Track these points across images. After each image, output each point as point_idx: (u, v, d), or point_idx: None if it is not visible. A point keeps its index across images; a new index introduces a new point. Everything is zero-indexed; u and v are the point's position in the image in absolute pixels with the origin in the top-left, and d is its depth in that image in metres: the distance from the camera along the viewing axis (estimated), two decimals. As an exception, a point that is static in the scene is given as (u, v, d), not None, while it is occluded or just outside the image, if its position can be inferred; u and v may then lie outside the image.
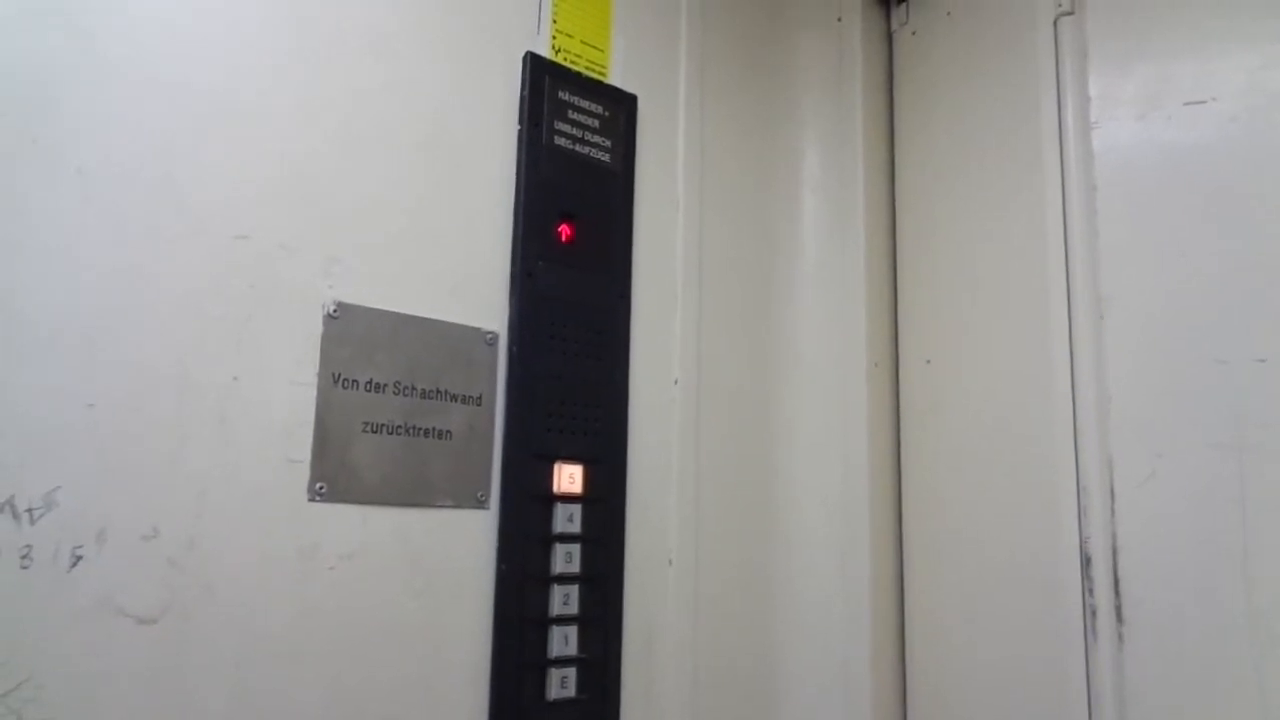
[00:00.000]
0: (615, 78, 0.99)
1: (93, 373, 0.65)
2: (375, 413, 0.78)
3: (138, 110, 0.69)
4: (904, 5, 1.16)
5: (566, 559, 0.86)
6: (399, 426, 0.79)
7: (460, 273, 0.85)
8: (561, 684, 0.83)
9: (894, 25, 1.17)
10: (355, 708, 0.74)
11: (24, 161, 0.64)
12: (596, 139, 0.95)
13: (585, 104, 0.95)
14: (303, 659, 0.72)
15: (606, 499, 0.90)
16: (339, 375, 0.76)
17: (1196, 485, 0.81)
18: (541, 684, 0.83)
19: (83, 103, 0.67)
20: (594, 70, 0.97)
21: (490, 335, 0.86)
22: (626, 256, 0.96)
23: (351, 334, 0.77)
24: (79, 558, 0.63)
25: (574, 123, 0.93)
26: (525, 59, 0.91)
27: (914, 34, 1.14)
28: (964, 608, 0.97)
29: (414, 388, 0.80)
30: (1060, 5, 0.96)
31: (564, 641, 0.84)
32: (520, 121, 0.90)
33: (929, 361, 1.06)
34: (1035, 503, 0.91)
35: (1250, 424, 0.79)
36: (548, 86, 0.92)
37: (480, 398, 0.84)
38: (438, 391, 0.82)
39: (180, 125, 0.71)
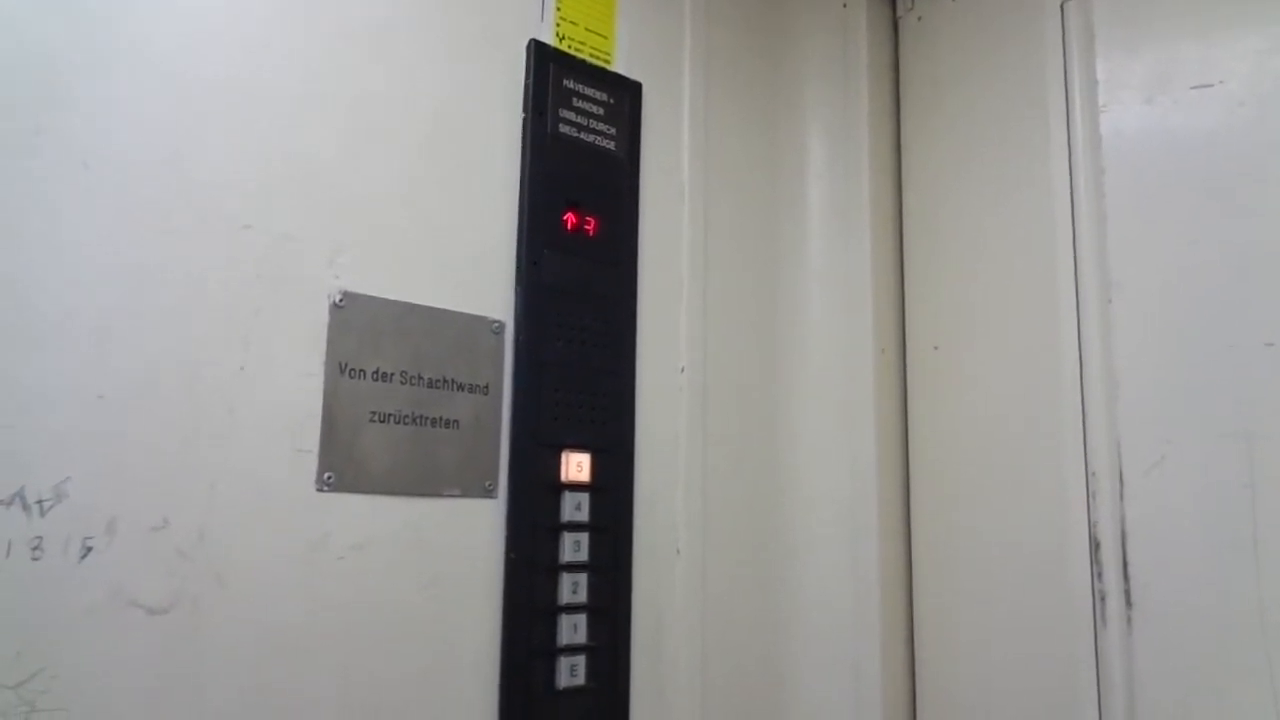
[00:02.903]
0: (620, 65, 0.99)
1: (101, 364, 0.65)
2: (382, 402, 0.78)
3: (142, 101, 0.69)
4: (909, -9, 1.15)
5: (575, 547, 0.86)
6: (406, 416, 0.79)
7: (466, 262, 0.85)
8: (571, 672, 0.84)
9: (900, 11, 1.16)
10: (365, 696, 0.74)
11: (31, 153, 0.64)
12: (601, 127, 0.94)
13: (590, 92, 0.94)
14: (313, 648, 0.72)
15: (614, 487, 0.90)
16: (346, 365, 0.76)
17: (1206, 471, 0.81)
18: (551, 672, 0.83)
19: (88, 94, 0.67)
20: (598, 58, 0.97)
21: (496, 324, 0.85)
22: (632, 244, 0.95)
23: (358, 323, 0.77)
24: (89, 549, 0.63)
25: (579, 110, 0.93)
26: (529, 47, 0.91)
27: (920, 20, 1.13)
28: (972, 592, 0.98)
29: (421, 377, 0.80)
30: (1067, -11, 0.95)
31: (573, 630, 0.84)
32: (525, 110, 0.90)
33: (937, 348, 1.05)
34: (1044, 488, 0.91)
35: (1259, 409, 0.79)
36: (552, 74, 0.91)
37: (487, 387, 0.84)
38: (444, 381, 0.81)
39: (185, 115, 0.71)
